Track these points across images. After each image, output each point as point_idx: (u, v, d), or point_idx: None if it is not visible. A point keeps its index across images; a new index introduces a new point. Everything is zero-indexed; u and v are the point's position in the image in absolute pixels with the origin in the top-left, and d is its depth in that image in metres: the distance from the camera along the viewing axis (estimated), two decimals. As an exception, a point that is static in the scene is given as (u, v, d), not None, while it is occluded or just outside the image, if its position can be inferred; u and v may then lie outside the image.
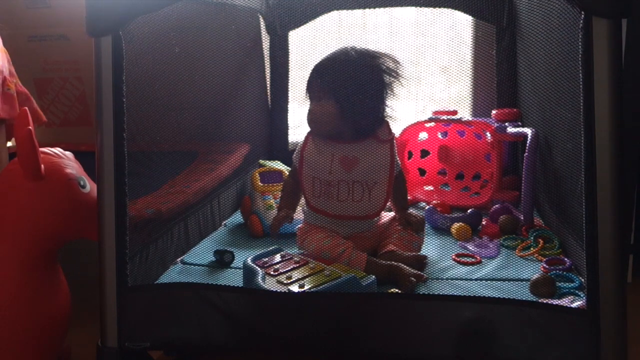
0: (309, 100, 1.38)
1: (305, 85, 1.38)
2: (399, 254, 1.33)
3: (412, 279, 1.23)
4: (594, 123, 0.97)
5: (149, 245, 1.30)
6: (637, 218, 1.72)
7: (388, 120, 1.38)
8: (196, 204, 1.57)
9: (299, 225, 1.43)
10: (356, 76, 1.32)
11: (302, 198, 1.42)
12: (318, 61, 1.37)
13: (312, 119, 1.37)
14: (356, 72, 1.32)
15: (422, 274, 1.26)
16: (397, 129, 1.83)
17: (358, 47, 1.35)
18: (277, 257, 1.29)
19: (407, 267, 1.26)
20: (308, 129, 1.40)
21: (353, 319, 1.09)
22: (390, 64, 1.35)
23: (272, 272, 1.21)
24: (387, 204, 1.42)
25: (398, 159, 1.43)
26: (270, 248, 1.34)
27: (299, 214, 1.50)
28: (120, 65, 1.11)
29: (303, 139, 1.42)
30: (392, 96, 1.36)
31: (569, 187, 1.25)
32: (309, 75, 1.37)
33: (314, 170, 1.38)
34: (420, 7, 1.84)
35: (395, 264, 1.28)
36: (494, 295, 1.11)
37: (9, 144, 2.08)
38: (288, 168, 1.69)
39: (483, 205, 1.71)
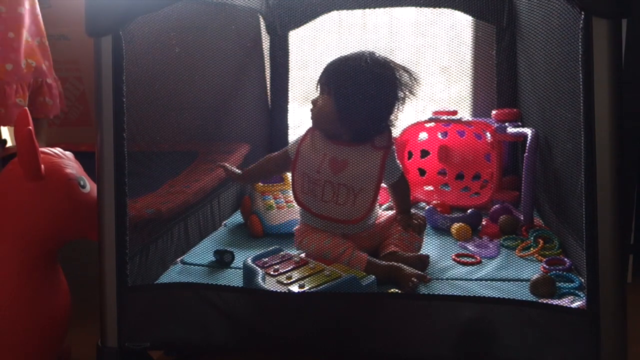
0: (319, 92, 1.37)
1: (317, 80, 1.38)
2: (401, 255, 1.32)
3: (414, 279, 1.22)
4: (594, 123, 0.97)
5: (149, 245, 1.30)
6: (637, 218, 1.72)
7: (390, 127, 1.37)
8: (196, 204, 1.57)
9: (296, 227, 1.43)
10: (363, 83, 1.30)
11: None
12: (338, 56, 1.36)
13: (312, 111, 1.37)
14: (365, 79, 1.30)
15: (424, 274, 1.25)
16: (397, 129, 1.84)
17: (378, 55, 1.33)
18: (277, 257, 1.29)
19: (409, 268, 1.26)
20: (309, 128, 1.40)
21: (353, 319, 1.09)
22: (406, 79, 1.33)
23: (272, 272, 1.21)
24: (377, 207, 1.42)
25: (399, 163, 1.42)
26: (270, 248, 1.34)
27: (296, 215, 1.50)
28: (120, 65, 1.11)
29: (303, 133, 1.42)
30: (400, 109, 1.35)
31: (569, 187, 1.25)
32: (325, 67, 1.36)
33: (305, 166, 1.38)
34: (420, 7, 1.84)
35: (396, 264, 1.28)
36: (494, 295, 1.11)
37: (10, 144, 2.08)
38: (288, 168, 1.69)
39: (483, 206, 1.71)
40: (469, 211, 1.62)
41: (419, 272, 1.25)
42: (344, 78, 1.31)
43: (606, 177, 0.97)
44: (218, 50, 1.72)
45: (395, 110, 1.35)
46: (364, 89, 1.31)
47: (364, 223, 1.38)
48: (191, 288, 1.14)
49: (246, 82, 1.96)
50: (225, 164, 1.48)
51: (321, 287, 1.14)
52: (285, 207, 1.64)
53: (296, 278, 1.19)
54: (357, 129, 1.33)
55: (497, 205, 1.64)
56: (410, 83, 1.34)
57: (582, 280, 1.16)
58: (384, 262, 1.30)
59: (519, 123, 1.80)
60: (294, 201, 1.57)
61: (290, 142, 2.09)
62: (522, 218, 1.55)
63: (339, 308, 1.09)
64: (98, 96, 1.13)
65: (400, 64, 1.34)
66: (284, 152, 1.45)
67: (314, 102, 1.37)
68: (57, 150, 1.26)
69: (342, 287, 1.14)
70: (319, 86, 1.37)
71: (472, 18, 1.95)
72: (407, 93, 1.34)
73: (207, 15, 1.63)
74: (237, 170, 1.47)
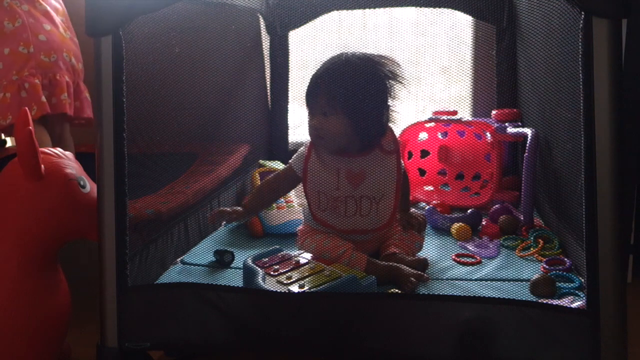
0: (309, 113, 1.31)
1: (305, 96, 1.31)
2: (401, 257, 1.32)
3: (413, 279, 1.22)
4: (594, 123, 0.97)
5: (149, 245, 1.30)
6: (637, 218, 1.72)
7: (391, 126, 1.34)
8: (196, 204, 1.57)
9: (300, 227, 1.43)
10: (365, 88, 1.27)
11: (305, 201, 1.39)
12: (318, 71, 1.31)
13: (319, 134, 1.30)
14: (364, 83, 1.27)
15: (422, 274, 1.25)
16: (397, 129, 1.83)
17: (357, 54, 1.30)
18: (277, 257, 1.29)
19: (408, 268, 1.26)
20: (308, 134, 1.35)
21: (353, 319, 1.09)
22: (393, 67, 1.30)
23: (272, 272, 1.21)
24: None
25: (403, 162, 1.41)
26: (270, 248, 1.34)
27: (299, 214, 1.49)
28: (120, 65, 1.11)
29: (305, 149, 1.36)
30: (395, 101, 1.32)
31: (569, 187, 1.25)
32: (310, 87, 1.31)
33: (319, 185, 1.33)
34: (420, 7, 1.84)
35: (396, 264, 1.27)
36: (494, 295, 1.11)
37: (10, 144, 2.08)
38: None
39: (483, 206, 1.71)
40: (469, 211, 1.62)
41: (418, 272, 1.25)
42: (353, 93, 1.27)
43: (606, 177, 0.97)
44: (218, 51, 1.72)
45: (391, 103, 1.32)
46: (371, 95, 1.28)
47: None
48: (191, 288, 1.14)
49: (246, 83, 1.96)
50: (221, 209, 1.38)
51: (321, 287, 1.14)
52: (285, 207, 1.64)
53: (296, 278, 1.19)
54: (368, 137, 1.30)
55: (497, 205, 1.64)
56: (397, 70, 1.30)
57: (582, 280, 1.16)
58: (383, 262, 1.30)
59: (519, 123, 1.80)
60: (294, 201, 1.57)
61: (290, 142, 2.11)
62: (522, 218, 1.55)
63: (338, 308, 1.09)
64: (98, 96, 1.13)
65: (381, 54, 1.30)
66: (287, 170, 1.39)
67: (318, 126, 1.29)
68: (57, 150, 1.26)
69: (342, 287, 1.14)
70: (310, 106, 1.30)
71: (472, 18, 1.95)
72: (395, 83, 1.30)
73: (207, 16, 1.63)
74: (236, 208, 1.37)
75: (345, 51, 1.31)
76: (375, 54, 1.31)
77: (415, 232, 1.39)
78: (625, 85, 0.97)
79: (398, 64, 1.31)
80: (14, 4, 1.66)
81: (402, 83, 1.31)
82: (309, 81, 1.32)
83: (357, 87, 1.28)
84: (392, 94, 1.31)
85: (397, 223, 1.41)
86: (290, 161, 1.40)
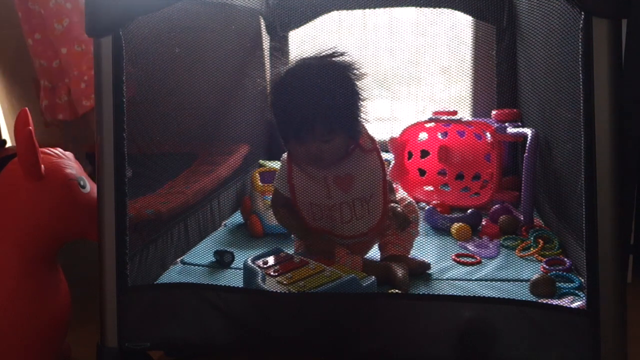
0: (299, 141, 1.23)
1: (292, 129, 1.22)
2: (401, 258, 1.31)
3: (394, 291, 1.21)
4: (594, 123, 0.97)
5: (149, 245, 1.30)
6: (637, 218, 1.72)
7: (364, 125, 1.29)
8: (196, 204, 1.57)
9: None
10: (352, 99, 1.23)
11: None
12: (296, 99, 1.21)
13: (319, 157, 1.24)
14: (350, 95, 1.22)
15: (406, 274, 1.24)
16: (397, 129, 1.84)
17: (314, 64, 1.24)
18: (278, 258, 1.29)
19: (398, 268, 1.25)
20: (286, 158, 1.31)
21: (353, 320, 1.09)
22: (350, 61, 1.24)
23: (272, 273, 1.21)
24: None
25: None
26: (271, 249, 1.33)
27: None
28: (120, 65, 1.11)
29: (284, 168, 1.32)
30: (364, 95, 1.26)
31: (569, 187, 1.25)
32: (298, 119, 1.20)
33: (310, 197, 1.30)
34: (420, 7, 1.84)
35: (388, 264, 1.27)
36: (494, 295, 1.11)
37: (9, 144, 2.08)
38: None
39: (483, 206, 1.71)
40: (469, 211, 1.62)
41: (403, 280, 1.23)
42: (349, 111, 1.23)
43: (606, 177, 0.97)
44: (218, 51, 1.72)
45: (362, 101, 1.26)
46: (355, 103, 1.24)
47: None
48: (191, 288, 1.14)
49: (246, 83, 1.96)
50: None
51: (321, 287, 1.14)
52: (285, 207, 1.64)
53: (296, 279, 1.19)
54: (356, 139, 1.28)
55: (497, 205, 1.64)
56: (356, 66, 1.24)
57: (582, 280, 1.16)
58: (377, 262, 1.29)
59: (519, 123, 1.80)
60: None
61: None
62: (522, 218, 1.55)
63: (338, 308, 1.09)
64: (98, 96, 1.13)
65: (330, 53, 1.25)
66: (275, 196, 1.36)
67: (317, 152, 1.23)
68: (57, 150, 1.26)
69: (342, 288, 1.14)
70: (309, 135, 1.21)
71: (472, 18, 1.95)
72: (360, 75, 1.24)
73: (207, 16, 1.64)
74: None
75: (297, 66, 1.25)
76: (328, 52, 1.25)
77: (399, 227, 1.30)
78: (625, 85, 0.97)
79: (348, 53, 1.25)
80: (60, 2, 1.69)
81: (364, 75, 1.24)
82: (285, 110, 1.24)
83: (350, 104, 1.23)
84: (360, 90, 1.25)
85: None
86: (274, 186, 1.36)
